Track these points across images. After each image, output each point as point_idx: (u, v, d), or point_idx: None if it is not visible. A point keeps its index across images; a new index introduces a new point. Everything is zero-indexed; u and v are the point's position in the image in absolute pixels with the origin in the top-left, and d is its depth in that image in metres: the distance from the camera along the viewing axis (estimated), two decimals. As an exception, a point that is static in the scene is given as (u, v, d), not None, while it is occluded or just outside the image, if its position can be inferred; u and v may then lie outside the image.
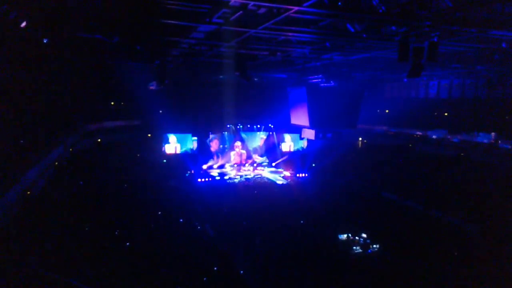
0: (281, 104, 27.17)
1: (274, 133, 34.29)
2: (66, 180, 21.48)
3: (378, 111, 36.82)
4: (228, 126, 32.74)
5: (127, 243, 16.48)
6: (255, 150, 34.01)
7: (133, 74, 23.49)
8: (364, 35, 12.03)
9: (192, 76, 25.92)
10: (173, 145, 30.45)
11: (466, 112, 29.34)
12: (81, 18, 11.01)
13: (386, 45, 13.79)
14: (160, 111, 31.79)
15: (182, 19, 10.64)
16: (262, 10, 9.87)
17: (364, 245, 18.23)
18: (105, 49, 16.45)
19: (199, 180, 29.02)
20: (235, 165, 32.56)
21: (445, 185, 24.44)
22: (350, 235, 18.90)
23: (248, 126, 33.74)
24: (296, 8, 8.89)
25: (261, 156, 34.13)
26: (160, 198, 23.34)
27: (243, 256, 16.48)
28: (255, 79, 27.70)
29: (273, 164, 33.96)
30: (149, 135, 31.48)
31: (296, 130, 33.44)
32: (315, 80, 19.99)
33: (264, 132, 34.28)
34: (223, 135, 32.71)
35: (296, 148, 34.62)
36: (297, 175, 32.02)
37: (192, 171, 30.15)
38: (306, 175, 32.11)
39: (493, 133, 25.38)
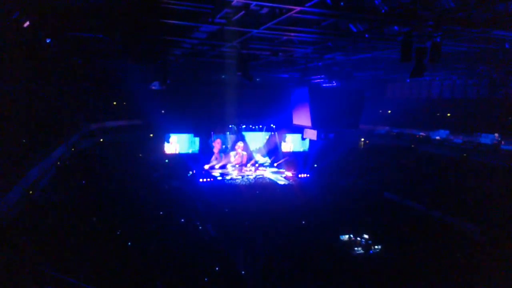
0: (283, 104, 27.13)
1: (276, 133, 34.26)
2: (68, 180, 21.51)
3: (380, 111, 36.74)
4: (230, 126, 32.73)
5: (129, 243, 16.50)
6: (257, 150, 33.99)
7: (135, 74, 23.54)
8: (367, 35, 12.00)
9: (194, 76, 25.92)
10: (173, 145, 30.46)
11: (469, 112, 29.25)
12: (83, 18, 11.02)
13: (388, 45, 13.76)
14: (162, 111, 31.82)
15: (185, 19, 10.65)
16: (264, 10, 9.88)
17: (366, 246, 18.20)
18: (108, 49, 16.48)
19: (201, 180, 29.03)
20: (237, 166, 32.56)
21: (448, 186, 24.38)
22: (352, 235, 18.87)
23: (250, 126, 33.72)
24: (298, 8, 8.88)
25: (263, 156, 34.11)
26: (161, 198, 23.36)
27: (244, 256, 16.46)
28: (257, 79, 27.70)
29: (275, 164, 33.94)
30: (151, 135, 31.49)
31: (298, 130, 33.47)
32: (317, 80, 19.98)
33: (266, 132, 34.24)
34: (225, 135, 32.70)
35: (297, 148, 34.58)
36: (299, 175, 32.00)
37: (194, 171, 30.16)
38: (308, 175, 32.08)
39: (496, 134, 25.28)
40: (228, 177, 30.79)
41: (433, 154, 28.70)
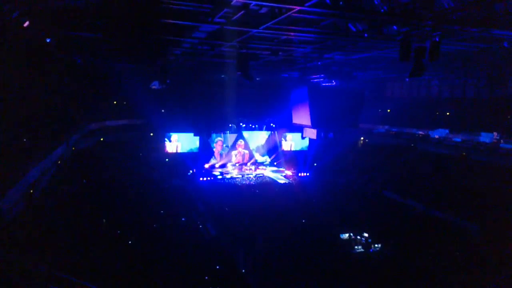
0: (283, 104, 27.13)
1: (276, 132, 34.29)
2: (69, 178, 21.55)
3: (379, 110, 36.77)
4: (230, 125, 32.76)
5: (129, 241, 16.55)
6: (257, 149, 34.03)
7: (135, 73, 23.57)
8: (366, 35, 12.04)
9: (194, 76, 25.93)
10: (174, 144, 30.50)
11: (468, 111, 29.29)
12: (83, 18, 11.05)
13: (387, 44, 13.80)
14: (162, 110, 31.85)
15: (184, 19, 10.68)
16: (264, 10, 9.91)
17: (366, 244, 18.25)
18: (108, 49, 16.50)
19: (201, 179, 29.07)
20: (237, 165, 32.61)
21: (447, 184, 24.42)
22: (351, 234, 18.92)
23: (250, 125, 33.75)
24: (298, 8, 8.92)
25: (263, 155, 34.15)
26: (162, 197, 23.41)
27: (244, 255, 16.51)
28: (257, 79, 27.71)
29: (275, 163, 33.96)
30: (151, 134, 31.53)
31: (298, 129, 33.50)
32: (316, 80, 20.01)
33: (266, 132, 34.27)
34: (225, 134, 32.74)
35: (297, 147, 34.60)
36: (299, 174, 32.05)
37: (194, 170, 30.21)
38: (308, 174, 32.13)
39: (495, 133, 25.32)
40: (228, 176, 30.84)
41: (432, 153, 28.74)
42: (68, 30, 12.44)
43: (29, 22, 10.95)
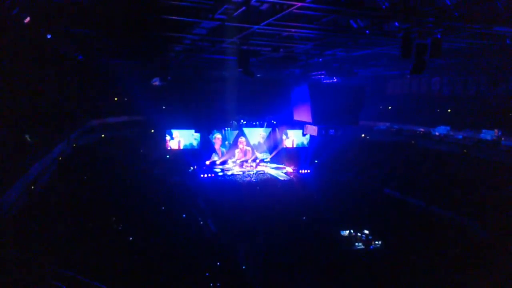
0: (284, 100, 27.09)
1: (277, 129, 34.28)
2: (69, 175, 21.57)
3: (380, 107, 36.72)
4: (231, 122, 32.76)
5: (130, 238, 16.59)
6: (258, 146, 34.04)
7: (136, 70, 23.56)
8: (367, 31, 12.00)
9: (195, 72, 25.91)
10: (175, 140, 30.53)
11: (469, 108, 29.23)
12: (84, 14, 11.03)
13: (389, 41, 13.74)
14: (163, 107, 31.84)
15: (185, 15, 10.65)
16: (264, 6, 9.88)
17: (366, 241, 18.28)
18: (109, 45, 16.48)
19: (202, 176, 29.10)
20: (238, 161, 32.63)
21: (448, 182, 24.40)
22: (352, 231, 18.94)
23: (251, 122, 33.74)
24: (299, 4, 8.89)
25: (264, 152, 34.16)
26: (163, 194, 23.43)
27: (245, 251, 16.55)
28: (258, 75, 27.68)
29: (276, 160, 33.97)
30: (152, 130, 31.54)
31: (299, 126, 33.46)
32: (317, 76, 19.96)
33: (266, 128, 34.26)
34: (226, 131, 32.74)
35: (298, 144, 34.61)
36: (300, 171, 32.05)
37: (195, 167, 30.24)
38: (309, 171, 32.13)
39: (496, 130, 25.28)
40: (229, 173, 30.86)
41: (433, 150, 28.71)
42: (69, 27, 12.42)
43: (30, 19, 10.93)
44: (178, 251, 15.75)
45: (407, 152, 30.23)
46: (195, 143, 31.38)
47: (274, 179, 30.70)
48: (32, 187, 16.70)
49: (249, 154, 33.18)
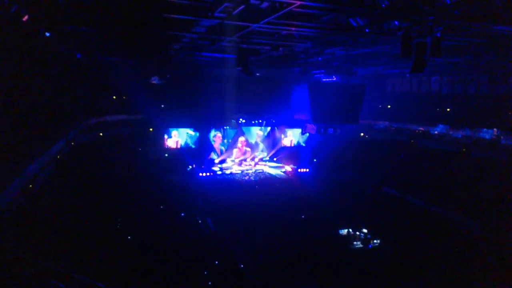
0: (283, 99, 27.08)
1: (276, 128, 34.24)
2: (68, 174, 21.51)
3: (380, 106, 36.72)
4: (230, 120, 32.68)
5: (129, 237, 16.56)
6: (257, 145, 34.01)
7: (135, 68, 23.47)
8: (367, 30, 11.96)
9: (194, 71, 25.84)
10: (174, 139, 30.47)
11: (468, 107, 29.24)
12: (83, 12, 10.97)
13: (389, 40, 13.71)
14: (162, 106, 31.76)
15: (184, 13, 10.60)
16: (264, 4, 9.83)
17: (365, 240, 18.28)
18: (107, 43, 16.41)
19: (200, 174, 29.06)
20: (236, 160, 32.59)
21: (447, 181, 24.42)
22: (351, 230, 18.94)
23: (250, 121, 33.68)
24: (298, 2, 8.84)
25: (263, 151, 34.12)
26: (161, 192, 23.40)
27: (243, 250, 16.54)
28: (257, 74, 27.64)
29: (274, 159, 33.96)
30: (151, 129, 31.47)
31: (298, 125, 33.43)
32: (317, 75, 19.93)
33: (265, 127, 34.21)
34: (225, 130, 32.69)
35: (297, 143, 34.58)
36: (298, 170, 32.03)
37: (194, 166, 30.20)
38: (307, 170, 32.11)
39: (495, 129, 25.29)
40: (227, 172, 30.82)
41: (432, 149, 28.73)
42: (67, 25, 12.36)
43: (28, 16, 10.86)
44: (176, 250, 15.72)
45: (406, 151, 30.24)
46: (193, 142, 31.32)
47: (272, 178, 30.67)
48: (30, 186, 16.64)
49: (248, 153, 33.15)
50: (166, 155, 30.43)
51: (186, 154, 30.55)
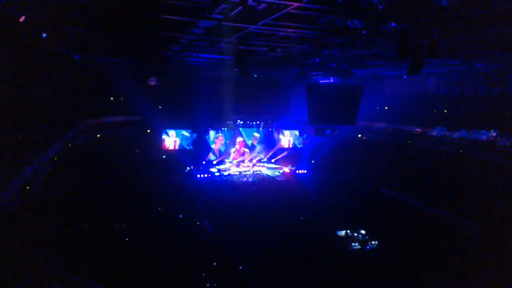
0: (281, 100, 26.99)
1: (274, 129, 34.27)
2: (65, 175, 21.46)
3: (377, 107, 36.74)
4: (228, 122, 32.71)
5: (126, 238, 16.54)
6: (254, 146, 34.03)
7: (133, 69, 23.42)
8: (364, 32, 11.99)
9: (191, 72, 25.83)
10: (171, 140, 30.45)
11: (466, 109, 29.33)
12: (80, 13, 10.96)
13: (386, 42, 13.74)
14: (160, 107, 31.73)
15: (182, 15, 10.60)
16: (262, 6, 9.85)
17: (363, 241, 18.30)
18: (104, 45, 16.40)
19: (198, 176, 29.03)
20: (234, 161, 32.59)
21: (444, 182, 24.48)
22: (348, 231, 18.96)
23: (248, 122, 33.70)
24: (296, 4, 8.86)
25: (260, 152, 34.13)
26: (159, 194, 23.38)
27: (242, 251, 16.53)
28: (255, 75, 27.64)
29: (272, 160, 33.99)
30: (148, 130, 31.44)
31: (296, 126, 33.45)
32: (314, 77, 19.94)
33: (263, 129, 34.23)
34: (223, 131, 32.70)
35: (295, 144, 34.62)
36: (296, 171, 32.05)
37: (192, 167, 30.18)
38: (305, 171, 32.14)
39: (492, 130, 25.38)
40: (225, 173, 30.81)
41: (430, 151, 28.79)
42: (65, 25, 12.34)
43: (25, 17, 10.84)
44: (174, 251, 15.71)
45: (403, 152, 30.29)
46: (191, 143, 31.32)
47: (270, 179, 30.70)
48: (28, 188, 16.60)
49: (246, 154, 33.15)
50: (164, 156, 30.41)
51: (184, 155, 30.55)
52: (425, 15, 9.94)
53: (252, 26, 11.26)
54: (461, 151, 26.42)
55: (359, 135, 35.70)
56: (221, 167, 31.70)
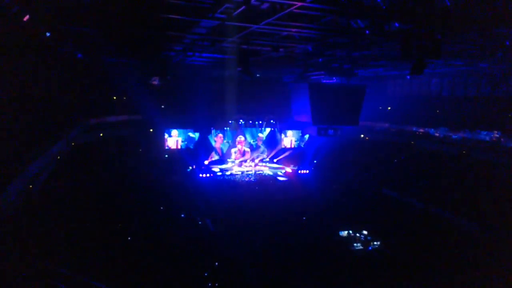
0: (284, 100, 27.12)
1: (276, 129, 34.27)
2: (68, 174, 21.52)
3: (380, 108, 36.69)
4: (230, 122, 32.72)
5: (129, 238, 16.56)
6: (257, 146, 34.03)
7: (135, 69, 23.48)
8: (367, 32, 11.97)
9: (194, 72, 25.85)
10: (174, 140, 30.51)
11: (469, 109, 29.24)
12: (84, 12, 10.99)
13: (389, 42, 13.72)
14: (162, 106, 31.79)
15: (185, 14, 10.62)
16: (265, 6, 9.85)
17: (365, 242, 18.27)
18: (108, 44, 16.43)
19: (200, 175, 29.06)
20: (236, 161, 32.60)
21: (446, 182, 24.41)
22: (351, 231, 18.93)
23: (250, 122, 33.71)
24: (299, 3, 8.86)
25: (262, 152, 34.14)
26: (161, 193, 23.40)
27: (243, 251, 16.52)
28: (258, 75, 27.65)
29: (275, 160, 33.98)
30: (151, 130, 31.49)
31: (299, 126, 33.47)
32: (317, 77, 19.94)
33: (266, 128, 34.23)
34: (225, 130, 32.72)
35: (297, 144, 34.60)
36: (299, 171, 32.03)
37: (194, 167, 30.21)
38: (308, 171, 32.11)
39: (495, 131, 25.30)
40: (227, 173, 30.82)
41: (432, 151, 28.72)
42: (68, 25, 12.37)
43: (29, 16, 10.88)
44: (176, 251, 15.72)
45: (406, 152, 30.23)
46: (193, 142, 31.36)
47: (273, 179, 30.68)
48: (30, 186, 16.65)
49: (247, 154, 33.16)
50: (166, 155, 30.45)
51: (186, 155, 30.58)
52: (429, 15, 9.92)
53: (255, 26, 11.27)
54: (464, 152, 26.34)
55: (362, 135, 35.65)
56: (223, 166, 31.71)
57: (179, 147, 30.70)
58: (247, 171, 31.62)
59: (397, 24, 11.51)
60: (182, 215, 20.19)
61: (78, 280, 11.06)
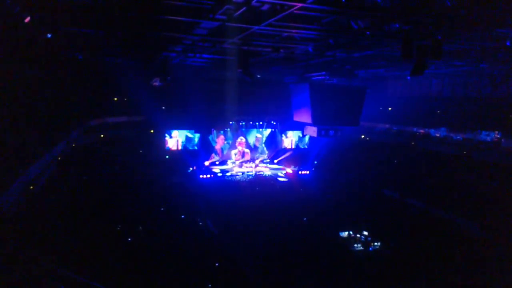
0: (284, 101, 26.91)
1: (277, 130, 34.27)
2: (69, 175, 21.55)
3: (380, 108, 36.70)
4: (231, 123, 32.73)
5: (129, 239, 16.57)
6: (256, 147, 34.02)
7: (136, 70, 23.52)
8: (368, 32, 11.97)
9: (194, 73, 25.86)
10: (174, 141, 30.51)
11: (469, 110, 29.23)
12: (84, 14, 11.01)
13: (389, 42, 13.72)
14: (163, 107, 31.81)
15: (185, 15, 10.63)
16: (265, 7, 9.86)
17: (366, 243, 18.26)
18: (109, 46, 16.46)
19: (201, 176, 29.07)
20: (237, 162, 32.60)
21: (447, 183, 24.40)
22: (351, 232, 18.92)
23: (251, 123, 33.70)
24: (299, 4, 8.87)
25: (263, 153, 34.13)
26: (162, 194, 23.41)
27: (244, 252, 16.52)
28: (258, 76, 27.64)
29: (275, 161, 33.97)
30: (152, 131, 31.51)
31: (299, 127, 33.39)
32: (318, 77, 19.92)
33: (266, 129, 34.24)
34: (226, 131, 32.73)
35: (298, 145, 34.60)
36: (299, 172, 32.02)
37: (194, 168, 30.21)
38: (308, 172, 32.09)
39: (496, 132, 25.28)
40: (228, 174, 30.82)
41: (433, 152, 28.72)
42: (69, 26, 12.39)
43: (30, 18, 10.89)
44: (177, 251, 15.72)
45: (406, 153, 30.22)
46: (194, 143, 31.35)
47: (273, 180, 30.67)
48: (31, 187, 16.67)
49: (247, 154, 33.14)
50: (167, 156, 30.46)
51: (187, 156, 30.59)
52: (429, 16, 9.92)
53: (256, 27, 11.28)
54: (464, 152, 26.33)
55: (362, 136, 35.65)
56: (224, 167, 31.71)
57: (179, 148, 30.70)
58: (247, 172, 31.61)
59: (397, 25, 11.52)
60: (183, 216, 20.19)
61: (78, 280, 11.06)
